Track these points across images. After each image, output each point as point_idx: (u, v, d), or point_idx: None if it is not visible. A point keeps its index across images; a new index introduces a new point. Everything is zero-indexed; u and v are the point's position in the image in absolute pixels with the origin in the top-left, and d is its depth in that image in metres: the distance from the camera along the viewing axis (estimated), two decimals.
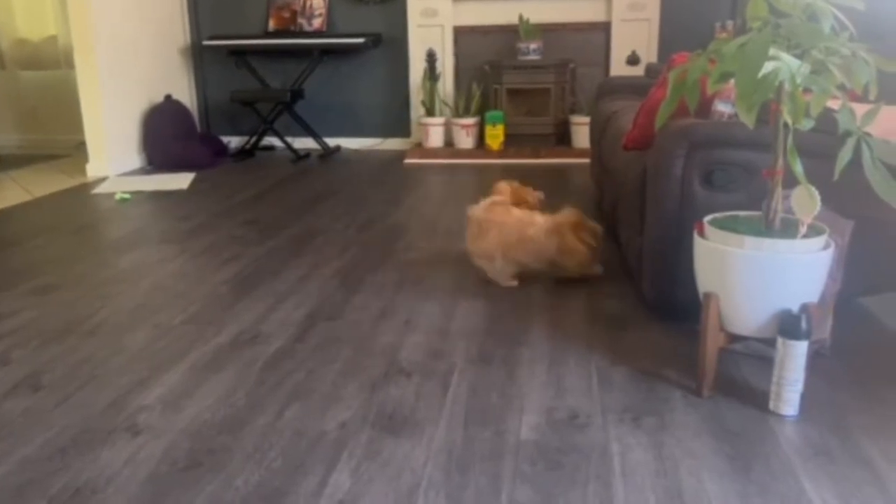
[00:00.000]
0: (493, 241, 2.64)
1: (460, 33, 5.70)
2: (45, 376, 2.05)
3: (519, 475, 1.53)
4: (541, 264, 2.66)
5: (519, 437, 1.67)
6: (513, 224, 2.64)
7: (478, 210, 2.71)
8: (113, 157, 5.14)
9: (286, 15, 5.89)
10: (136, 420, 1.79)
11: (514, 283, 2.69)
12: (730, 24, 5.08)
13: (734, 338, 1.86)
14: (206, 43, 5.84)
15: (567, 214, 2.64)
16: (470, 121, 5.49)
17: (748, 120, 1.57)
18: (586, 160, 4.93)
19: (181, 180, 4.83)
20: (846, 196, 1.91)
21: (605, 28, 5.52)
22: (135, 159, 5.38)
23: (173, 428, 1.75)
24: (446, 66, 5.73)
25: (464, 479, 1.53)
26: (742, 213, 1.94)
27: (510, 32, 5.54)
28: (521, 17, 5.39)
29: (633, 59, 5.49)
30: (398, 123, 5.98)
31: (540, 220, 2.66)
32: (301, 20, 5.86)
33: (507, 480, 1.52)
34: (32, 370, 2.09)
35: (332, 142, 6.02)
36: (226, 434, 1.72)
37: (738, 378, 1.94)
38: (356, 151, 5.94)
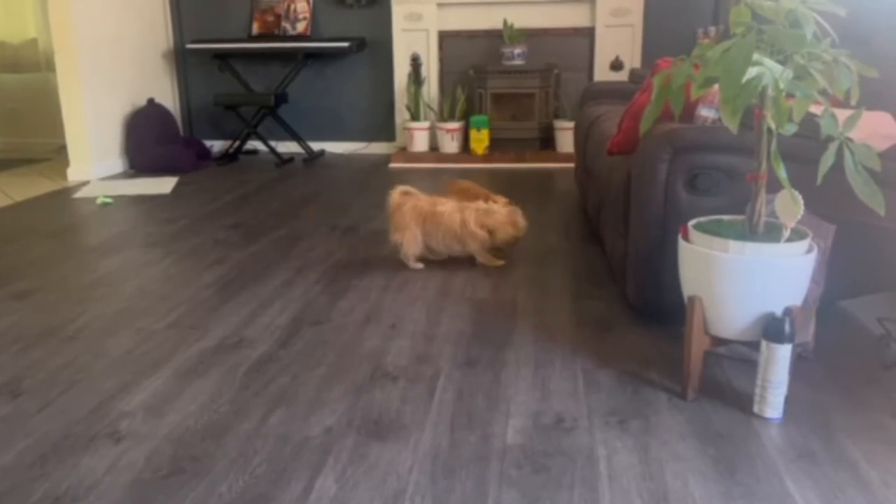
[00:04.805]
0: (408, 214, 2.87)
1: (445, 38, 5.71)
2: (25, 382, 2.02)
3: (505, 479, 1.53)
4: (448, 242, 2.88)
5: (505, 441, 1.67)
6: (426, 201, 2.92)
7: (395, 194, 2.95)
8: (94, 160, 5.09)
9: (270, 19, 5.87)
10: (119, 426, 1.77)
11: (420, 265, 2.91)
12: (712, 29, 5.12)
13: (718, 341, 1.87)
14: (189, 46, 5.80)
15: (476, 203, 2.94)
16: (455, 125, 5.50)
17: (732, 124, 1.58)
18: (570, 164, 4.96)
19: (164, 184, 4.79)
20: (829, 200, 1.93)
21: (589, 33, 5.55)
22: (117, 163, 5.33)
23: (156, 434, 1.73)
24: (431, 70, 5.73)
25: (450, 483, 1.52)
26: (726, 217, 1.95)
27: (495, 37, 5.56)
28: (505, 22, 5.40)
29: (616, 65, 5.52)
30: (383, 127, 5.98)
31: (449, 202, 2.93)
32: (285, 24, 5.84)
33: (494, 484, 1.51)
34: (12, 376, 2.06)
35: (316, 146, 6.01)
36: (209, 440, 1.70)
37: (723, 381, 1.95)
38: (340, 155, 5.93)
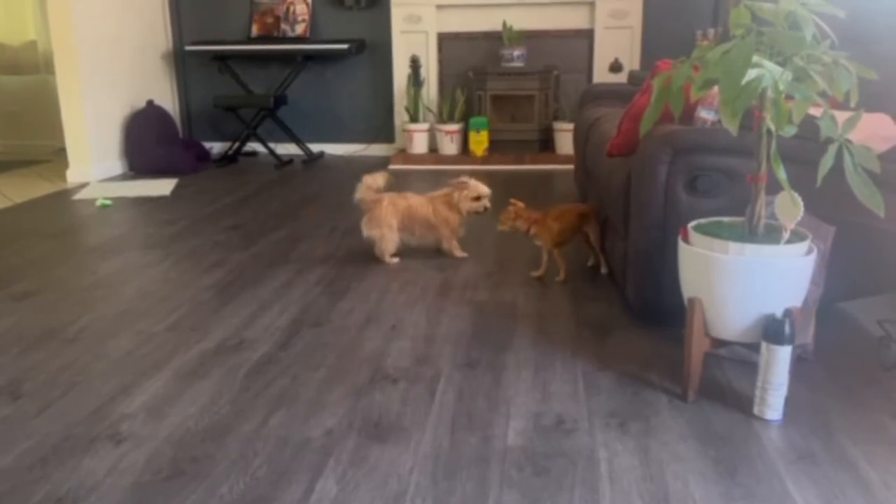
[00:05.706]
0: (387, 210, 2.97)
1: (444, 39, 5.71)
2: (25, 384, 2.02)
3: (506, 481, 1.53)
4: (423, 232, 3.03)
5: (506, 443, 1.67)
6: (399, 197, 3.04)
7: (367, 189, 3.02)
8: (94, 162, 5.09)
9: (269, 20, 5.87)
10: (119, 428, 1.77)
11: (396, 260, 3.02)
12: (711, 31, 5.13)
13: (719, 342, 1.87)
14: (188, 48, 5.80)
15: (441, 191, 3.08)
16: (454, 127, 5.50)
17: (731, 126, 1.58)
18: (570, 166, 4.96)
19: (163, 186, 4.79)
20: (828, 202, 1.93)
21: (588, 35, 5.55)
22: (116, 165, 5.33)
23: (156, 436, 1.73)
24: (430, 72, 5.73)
25: (451, 484, 1.52)
26: (726, 219, 1.95)
27: (494, 39, 5.56)
28: (504, 24, 5.41)
29: (615, 67, 5.52)
30: (382, 129, 5.98)
31: (416, 195, 3.09)
32: (284, 26, 5.85)
33: (495, 486, 1.51)
34: (12, 377, 2.06)
35: (315, 147, 6.01)
36: (210, 442, 1.70)
37: (723, 382, 1.96)
38: (340, 157, 5.93)
